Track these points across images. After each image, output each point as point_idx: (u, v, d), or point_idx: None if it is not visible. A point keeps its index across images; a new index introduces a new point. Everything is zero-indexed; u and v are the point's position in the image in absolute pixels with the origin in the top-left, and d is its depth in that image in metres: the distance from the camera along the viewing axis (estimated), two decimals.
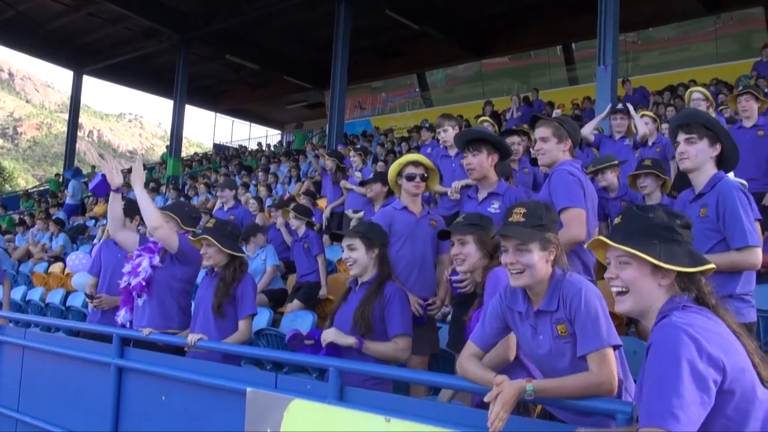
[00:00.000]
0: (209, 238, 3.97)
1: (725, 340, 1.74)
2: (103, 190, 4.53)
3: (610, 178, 5.54)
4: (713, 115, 6.01)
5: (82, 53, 22.58)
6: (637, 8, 15.17)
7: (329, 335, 3.31)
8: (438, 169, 4.61)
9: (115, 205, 4.53)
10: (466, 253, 3.06)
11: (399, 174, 4.23)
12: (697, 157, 3.02)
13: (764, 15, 16.51)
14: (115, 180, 4.40)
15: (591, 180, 4.48)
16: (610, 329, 2.26)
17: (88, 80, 24.27)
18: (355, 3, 15.90)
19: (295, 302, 6.33)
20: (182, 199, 13.83)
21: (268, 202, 10.15)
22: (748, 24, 16.84)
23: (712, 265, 1.91)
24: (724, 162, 3.09)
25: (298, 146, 21.49)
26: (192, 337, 3.77)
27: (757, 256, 2.84)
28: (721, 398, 1.68)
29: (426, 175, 4.17)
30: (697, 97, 6.13)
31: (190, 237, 4.18)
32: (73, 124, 24.68)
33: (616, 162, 5.62)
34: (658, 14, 16.84)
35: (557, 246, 2.45)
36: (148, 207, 4.16)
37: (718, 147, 3.03)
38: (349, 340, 3.27)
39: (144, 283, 4.24)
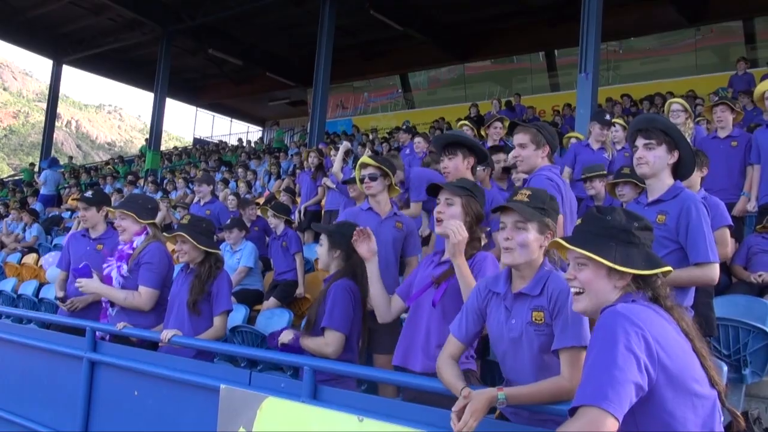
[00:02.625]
0: (184, 234, 3.96)
1: (668, 336, 1.79)
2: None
3: (598, 187, 5.60)
4: (692, 126, 6.12)
5: (62, 42, 22.29)
6: (620, 18, 15.33)
7: (283, 336, 3.45)
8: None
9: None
10: (450, 214, 3.01)
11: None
12: (655, 163, 3.06)
13: (743, 29, 16.80)
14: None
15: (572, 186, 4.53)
16: (588, 334, 2.27)
17: (67, 70, 24.00)
18: (339, 1, 15.90)
19: (272, 300, 6.32)
20: (160, 193, 13.73)
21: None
22: (727, 37, 17.10)
23: (668, 268, 1.96)
24: (680, 170, 3.12)
25: (276, 144, 21.42)
26: (166, 333, 3.75)
27: (715, 271, 2.92)
28: (658, 393, 1.73)
29: (376, 174, 4.19)
30: (677, 108, 6.16)
31: (166, 235, 4.16)
32: (51, 114, 24.38)
33: (604, 172, 5.69)
34: (640, 24, 17.04)
35: (553, 234, 2.47)
36: (111, 295, 4.30)
37: (676, 154, 3.07)
38: (288, 337, 3.39)
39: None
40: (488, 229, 3.15)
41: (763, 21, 16.43)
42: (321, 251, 3.58)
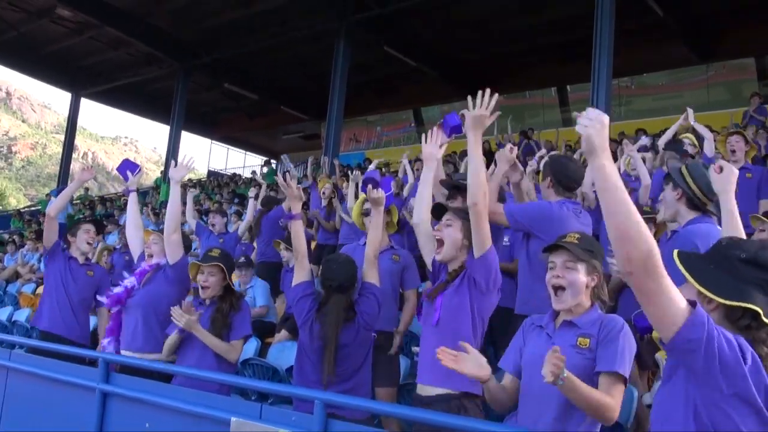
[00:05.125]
0: (220, 264, 3.99)
1: None
2: (132, 168, 4.70)
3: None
4: (700, 161, 6.16)
5: (81, 76, 22.75)
6: (631, 55, 15.45)
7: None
8: None
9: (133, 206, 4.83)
10: (447, 234, 3.10)
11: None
12: (667, 207, 3.15)
13: (755, 65, 16.86)
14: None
15: None
16: (629, 367, 2.36)
17: (85, 102, 24.41)
18: (354, 38, 16.14)
19: (283, 332, 6.31)
20: None
21: None
22: (739, 74, 17.15)
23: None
24: (695, 201, 3.24)
25: (269, 180, 20.47)
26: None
27: None
28: None
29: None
30: (686, 143, 6.22)
31: (195, 261, 4.19)
32: (69, 146, 24.73)
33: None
34: (651, 61, 17.14)
35: (600, 276, 2.53)
36: (176, 210, 4.31)
37: (680, 190, 3.15)
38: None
39: (125, 296, 4.36)
40: None
41: None
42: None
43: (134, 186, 4.93)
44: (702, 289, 1.77)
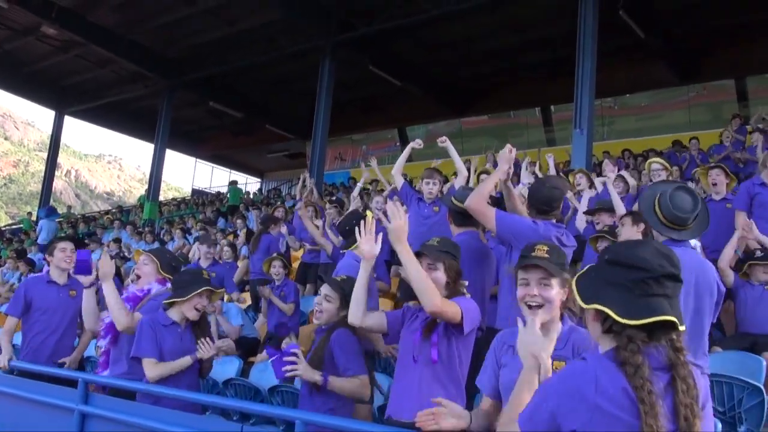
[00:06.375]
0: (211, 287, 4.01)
1: None
2: (84, 269, 4.45)
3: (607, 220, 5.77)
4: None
5: (65, 94, 22.65)
6: (614, 76, 15.65)
7: (299, 369, 3.31)
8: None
9: (91, 300, 4.55)
10: (434, 277, 3.03)
11: None
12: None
13: (735, 87, 17.13)
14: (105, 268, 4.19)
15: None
16: None
17: (69, 120, 24.28)
18: (339, 57, 16.22)
19: (266, 352, 6.26)
20: (156, 243, 13.75)
21: (244, 249, 10.13)
22: (720, 95, 17.41)
23: None
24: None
25: (232, 201, 19.50)
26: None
27: None
28: None
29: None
30: (657, 168, 6.57)
31: (206, 291, 4.02)
32: (52, 164, 24.55)
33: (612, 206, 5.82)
34: (634, 82, 17.37)
35: (570, 289, 2.51)
36: (117, 306, 4.07)
37: (641, 225, 3.26)
38: (316, 377, 3.28)
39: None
40: (466, 283, 3.17)
41: (755, 80, 16.79)
42: (330, 307, 3.52)
43: (89, 282, 4.57)
44: (575, 294, 1.76)
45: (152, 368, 3.79)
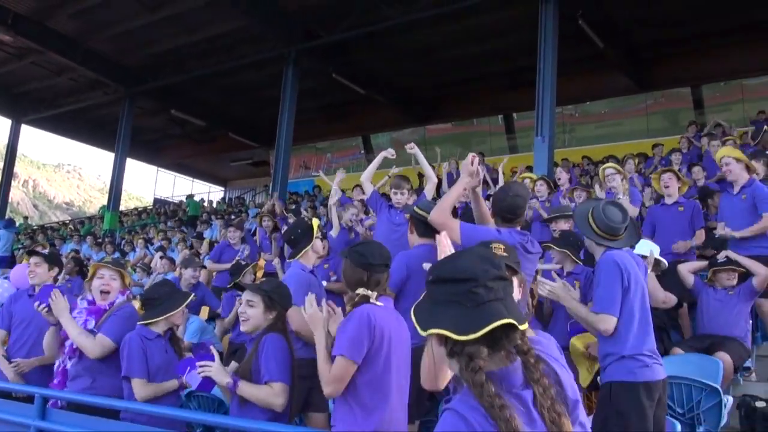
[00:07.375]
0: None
1: None
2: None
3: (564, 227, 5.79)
4: (626, 186, 6.66)
5: (22, 102, 22.17)
6: (574, 84, 15.90)
7: (211, 370, 3.26)
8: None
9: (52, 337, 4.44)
10: (251, 314, 3.33)
11: None
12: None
13: (691, 95, 17.55)
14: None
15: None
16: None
17: (26, 129, 23.73)
18: (302, 66, 16.19)
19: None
20: (117, 253, 13.52)
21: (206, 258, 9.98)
22: (677, 102, 17.82)
23: None
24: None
25: (192, 212, 19.65)
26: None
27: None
28: None
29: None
30: (610, 173, 6.71)
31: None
32: (8, 174, 23.96)
33: (570, 213, 5.79)
34: (594, 90, 17.68)
35: (526, 285, 2.67)
36: (69, 327, 4.01)
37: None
38: (225, 380, 3.22)
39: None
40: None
41: (710, 88, 17.24)
42: (255, 312, 3.41)
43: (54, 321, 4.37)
44: (415, 324, 1.59)
45: (142, 388, 3.72)
